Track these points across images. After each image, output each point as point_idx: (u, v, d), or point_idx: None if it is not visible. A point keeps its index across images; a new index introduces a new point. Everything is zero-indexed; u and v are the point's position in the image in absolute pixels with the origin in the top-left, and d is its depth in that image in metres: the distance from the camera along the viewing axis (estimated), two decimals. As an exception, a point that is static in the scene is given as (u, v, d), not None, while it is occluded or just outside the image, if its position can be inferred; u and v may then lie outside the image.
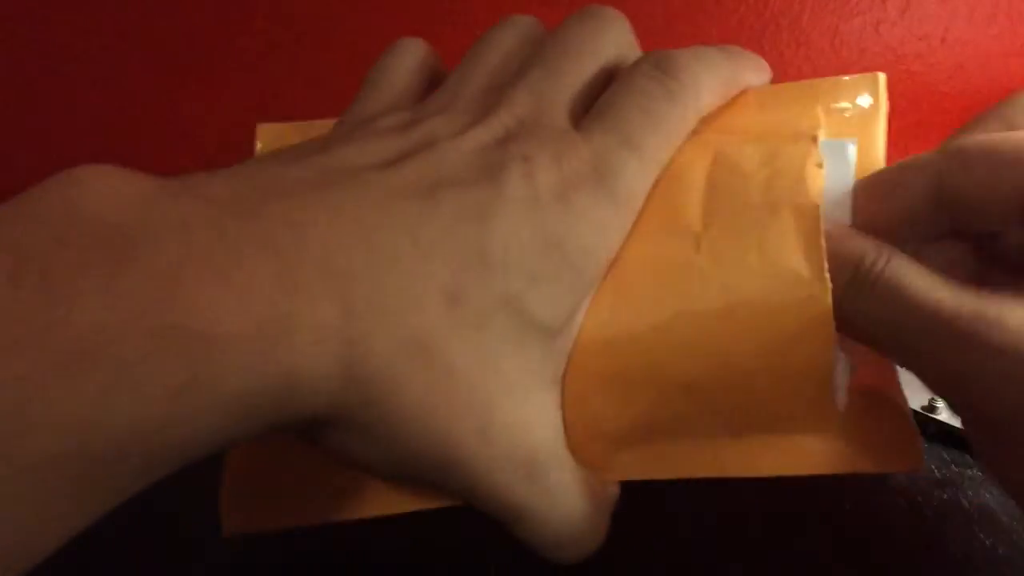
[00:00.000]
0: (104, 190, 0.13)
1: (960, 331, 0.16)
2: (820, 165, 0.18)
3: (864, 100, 0.21)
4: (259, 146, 0.24)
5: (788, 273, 0.17)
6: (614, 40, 0.20)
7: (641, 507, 0.19)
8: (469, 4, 0.43)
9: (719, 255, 0.18)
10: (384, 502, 0.20)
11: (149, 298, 0.12)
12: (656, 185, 0.18)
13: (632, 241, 0.18)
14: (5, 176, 0.45)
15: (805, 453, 0.19)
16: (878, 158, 0.20)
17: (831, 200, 0.19)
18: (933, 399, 0.28)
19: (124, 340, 0.12)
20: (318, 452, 0.18)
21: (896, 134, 0.54)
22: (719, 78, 0.19)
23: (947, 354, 0.16)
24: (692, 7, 0.44)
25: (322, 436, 0.15)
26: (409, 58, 0.20)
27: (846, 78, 0.21)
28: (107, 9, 0.42)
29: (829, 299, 0.17)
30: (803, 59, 0.46)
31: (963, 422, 0.18)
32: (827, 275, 0.17)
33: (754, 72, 0.21)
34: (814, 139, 0.19)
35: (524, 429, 0.16)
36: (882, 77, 0.21)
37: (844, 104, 0.21)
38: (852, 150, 0.20)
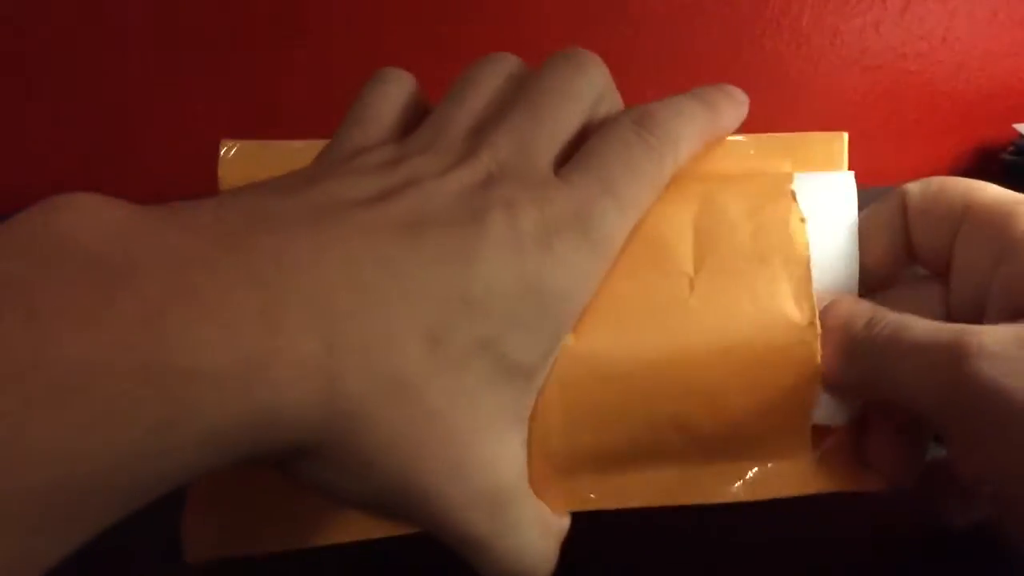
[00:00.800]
0: (86, 219, 0.13)
1: (947, 353, 0.17)
2: (803, 220, 0.20)
3: (828, 155, 0.23)
4: (221, 154, 0.24)
5: (781, 318, 0.19)
6: (593, 82, 0.20)
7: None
8: (471, 4, 0.43)
9: (712, 298, 0.19)
10: (354, 528, 0.20)
11: (135, 333, 0.12)
12: (644, 229, 0.19)
13: (625, 280, 0.19)
14: (5, 177, 0.45)
15: (776, 478, 0.20)
16: None
17: (840, 230, 0.21)
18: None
19: (109, 376, 0.12)
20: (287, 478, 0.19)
21: (896, 133, 0.54)
22: (696, 129, 0.20)
23: (932, 374, 0.17)
24: (693, 8, 0.44)
25: (295, 467, 0.16)
26: (394, 91, 0.20)
27: (813, 134, 0.23)
28: (107, 9, 0.42)
29: (818, 343, 0.19)
30: (803, 59, 0.46)
31: (957, 457, 0.18)
32: (817, 321, 0.19)
33: (732, 111, 0.22)
34: (793, 195, 0.20)
35: (493, 466, 0.17)
36: (845, 136, 0.23)
37: (810, 158, 0.23)
38: (852, 179, 0.21)
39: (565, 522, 0.19)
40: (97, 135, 0.45)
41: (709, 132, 0.21)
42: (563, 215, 0.17)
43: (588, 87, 0.20)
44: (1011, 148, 0.46)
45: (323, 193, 0.16)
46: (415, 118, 0.20)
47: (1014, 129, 0.46)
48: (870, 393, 0.20)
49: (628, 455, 0.19)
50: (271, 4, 0.42)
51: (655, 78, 0.47)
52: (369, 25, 0.43)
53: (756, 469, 0.20)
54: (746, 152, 0.23)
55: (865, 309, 0.19)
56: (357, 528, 0.20)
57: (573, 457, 0.19)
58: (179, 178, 0.45)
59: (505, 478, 0.17)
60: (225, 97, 0.45)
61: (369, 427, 0.15)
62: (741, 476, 0.20)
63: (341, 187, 0.16)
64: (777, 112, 0.48)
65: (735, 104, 0.22)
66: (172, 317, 0.13)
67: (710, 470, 0.20)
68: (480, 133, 0.18)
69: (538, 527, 0.18)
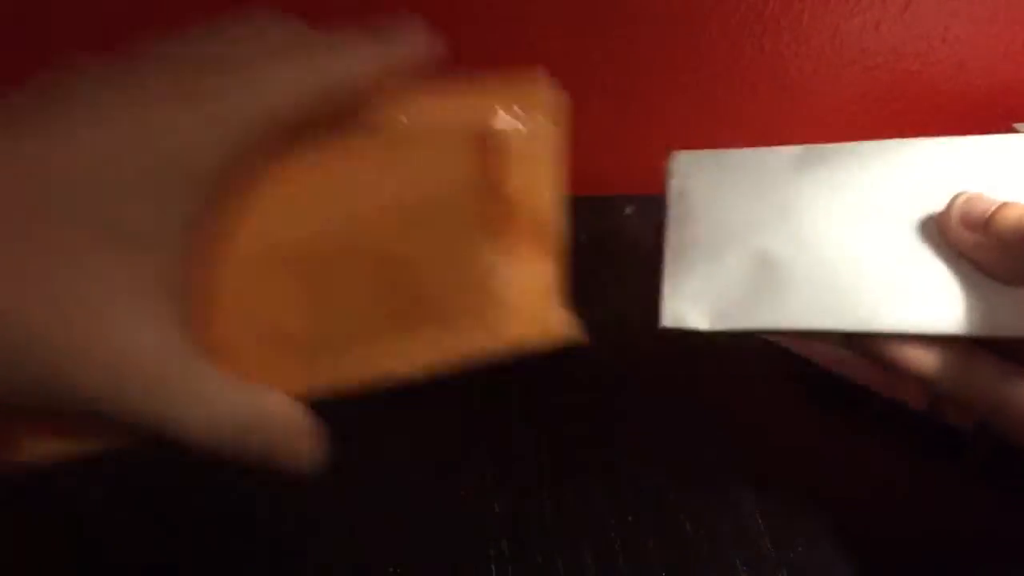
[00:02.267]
0: None
1: None
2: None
3: (533, 103, 0.22)
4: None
5: (444, 173, 0.20)
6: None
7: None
8: (472, 4, 0.43)
9: (382, 164, 0.20)
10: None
11: None
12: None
13: (290, 170, 0.20)
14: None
15: (474, 339, 0.21)
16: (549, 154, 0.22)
17: None
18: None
19: None
20: None
21: (896, 133, 0.53)
22: (360, 52, 0.20)
23: None
24: (693, 8, 0.44)
25: None
26: None
27: (517, 79, 0.23)
28: (108, 8, 0.42)
29: (482, 195, 0.21)
30: (803, 59, 0.46)
31: None
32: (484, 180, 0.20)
33: (405, 39, 0.22)
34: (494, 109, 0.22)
35: (128, 325, 0.16)
36: (543, 80, 0.23)
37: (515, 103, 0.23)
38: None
39: (290, 405, 0.19)
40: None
41: (377, 53, 0.21)
42: (164, 89, 0.17)
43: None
44: (1011, 148, 0.46)
45: None
46: None
47: (1014, 129, 0.46)
48: None
49: (331, 333, 0.20)
50: (271, 3, 0.42)
51: (655, 78, 0.47)
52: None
53: (449, 334, 0.21)
54: (449, 90, 0.23)
55: None
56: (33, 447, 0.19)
57: (278, 335, 0.20)
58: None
59: (152, 339, 0.17)
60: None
61: None
62: (435, 342, 0.21)
63: None
64: (777, 112, 0.48)
65: (407, 34, 0.22)
66: None
67: (405, 339, 0.21)
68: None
69: (243, 391, 0.18)
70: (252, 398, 0.19)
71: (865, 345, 0.24)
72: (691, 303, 0.24)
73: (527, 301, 0.22)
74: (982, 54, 0.47)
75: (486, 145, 0.21)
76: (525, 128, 0.22)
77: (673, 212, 0.26)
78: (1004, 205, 0.22)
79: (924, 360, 0.23)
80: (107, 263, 0.16)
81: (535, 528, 0.25)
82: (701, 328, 0.24)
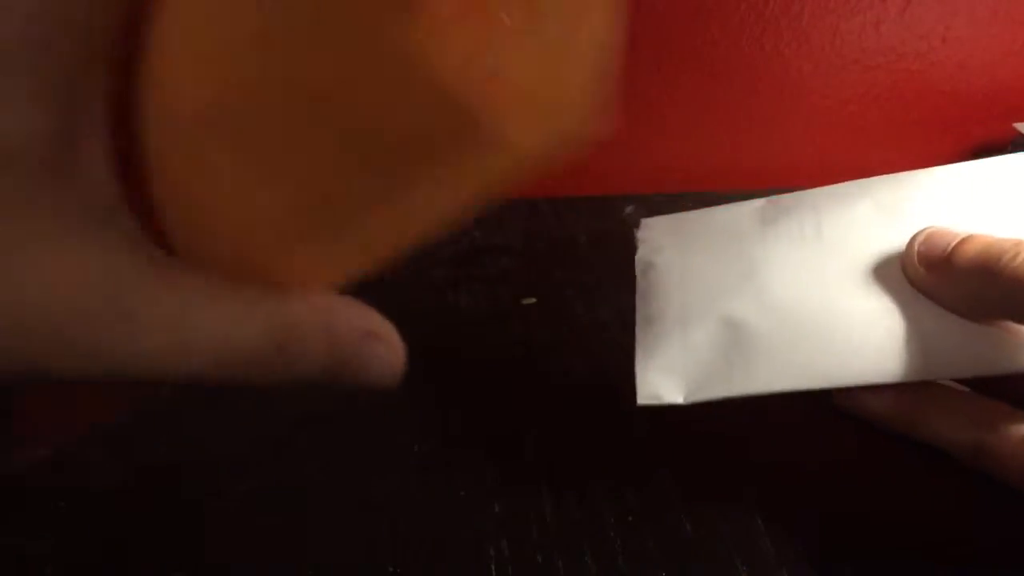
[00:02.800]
0: None
1: None
2: None
3: None
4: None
5: None
6: None
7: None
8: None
9: None
10: None
11: None
12: None
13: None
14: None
15: (477, 163, 0.14)
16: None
17: None
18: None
19: None
20: None
21: (896, 133, 0.54)
22: None
23: None
24: (694, 7, 0.44)
25: None
26: None
27: None
28: None
29: None
30: (803, 59, 0.46)
31: None
32: None
33: None
34: None
35: (55, 277, 0.12)
36: None
37: None
38: None
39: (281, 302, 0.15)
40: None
41: None
42: None
43: None
44: (1011, 148, 0.46)
45: None
46: None
47: (1014, 129, 0.46)
48: (989, 314, 0.21)
49: (313, 209, 0.14)
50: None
51: (656, 78, 0.47)
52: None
53: (446, 163, 0.14)
54: None
55: (1009, 242, 0.20)
56: None
57: (253, 221, 0.14)
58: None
59: (89, 281, 0.13)
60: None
61: None
62: (440, 177, 0.14)
63: None
64: (777, 112, 0.48)
65: None
66: None
67: (402, 194, 0.14)
68: None
69: (218, 298, 0.14)
70: (270, 305, 0.15)
71: (841, 400, 0.23)
72: (664, 378, 0.23)
73: (528, 89, 0.13)
74: (982, 54, 0.47)
75: None
76: None
77: (641, 285, 0.25)
78: (963, 240, 0.21)
79: (898, 408, 0.22)
80: None
81: (535, 528, 0.25)
82: (677, 402, 0.23)
